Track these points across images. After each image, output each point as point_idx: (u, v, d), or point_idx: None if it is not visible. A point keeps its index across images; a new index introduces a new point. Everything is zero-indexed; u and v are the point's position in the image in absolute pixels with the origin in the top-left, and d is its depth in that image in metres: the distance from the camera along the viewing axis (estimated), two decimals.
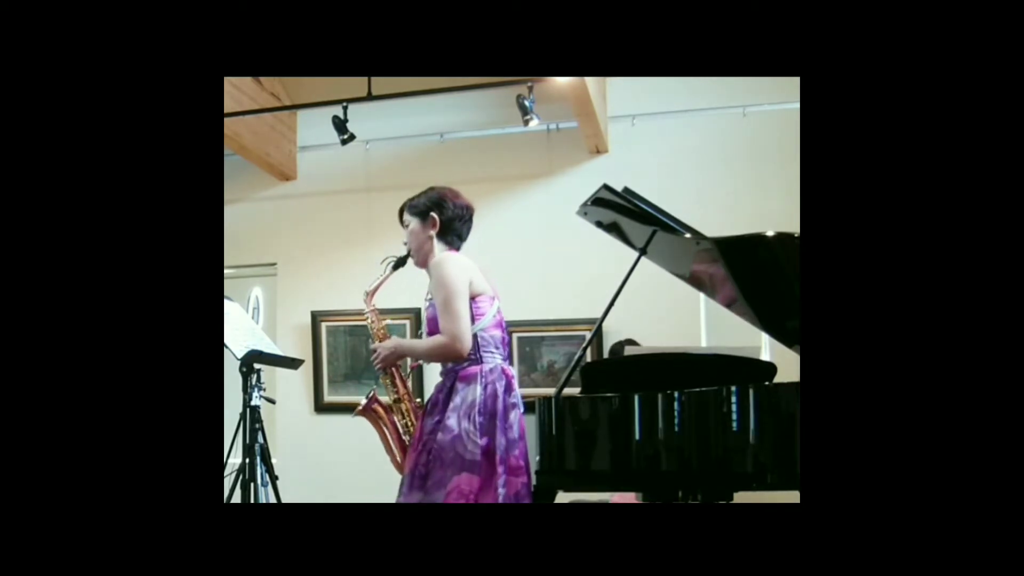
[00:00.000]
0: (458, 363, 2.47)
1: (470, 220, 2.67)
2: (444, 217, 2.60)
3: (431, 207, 2.61)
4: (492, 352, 2.50)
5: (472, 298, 2.48)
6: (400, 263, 2.69)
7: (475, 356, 2.47)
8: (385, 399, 2.66)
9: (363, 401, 2.66)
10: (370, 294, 2.71)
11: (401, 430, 2.61)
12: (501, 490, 2.34)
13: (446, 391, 2.48)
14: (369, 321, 2.70)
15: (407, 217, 2.65)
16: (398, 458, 2.60)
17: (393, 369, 2.64)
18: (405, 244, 2.67)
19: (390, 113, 4.89)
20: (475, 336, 2.46)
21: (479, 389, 2.43)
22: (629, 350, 3.58)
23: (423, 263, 2.61)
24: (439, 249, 2.60)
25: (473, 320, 2.46)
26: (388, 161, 4.95)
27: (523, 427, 2.47)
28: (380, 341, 2.65)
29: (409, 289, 2.64)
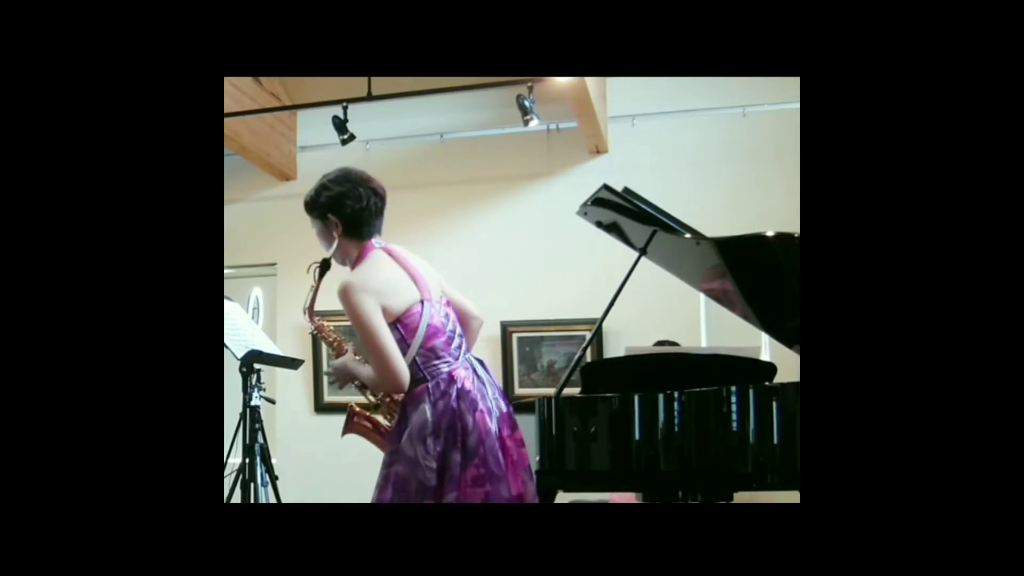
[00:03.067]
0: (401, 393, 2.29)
1: (378, 202, 2.40)
2: (343, 215, 2.36)
3: (326, 209, 2.37)
4: (436, 363, 2.29)
5: (397, 320, 2.26)
6: (325, 267, 2.46)
7: (420, 375, 2.28)
8: (372, 409, 2.50)
9: (345, 420, 2.48)
10: (309, 310, 2.48)
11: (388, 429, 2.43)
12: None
13: (398, 417, 2.32)
14: (321, 337, 2.53)
15: (310, 218, 2.43)
16: None
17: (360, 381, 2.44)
18: (322, 244, 2.45)
19: (390, 113, 4.89)
20: (413, 360, 2.27)
21: (428, 409, 2.24)
22: (658, 352, 3.59)
23: (341, 262, 2.42)
24: (348, 248, 2.38)
25: (407, 344, 2.26)
26: (388, 161, 4.95)
27: (482, 428, 2.25)
28: (338, 356, 2.48)
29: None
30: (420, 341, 2.28)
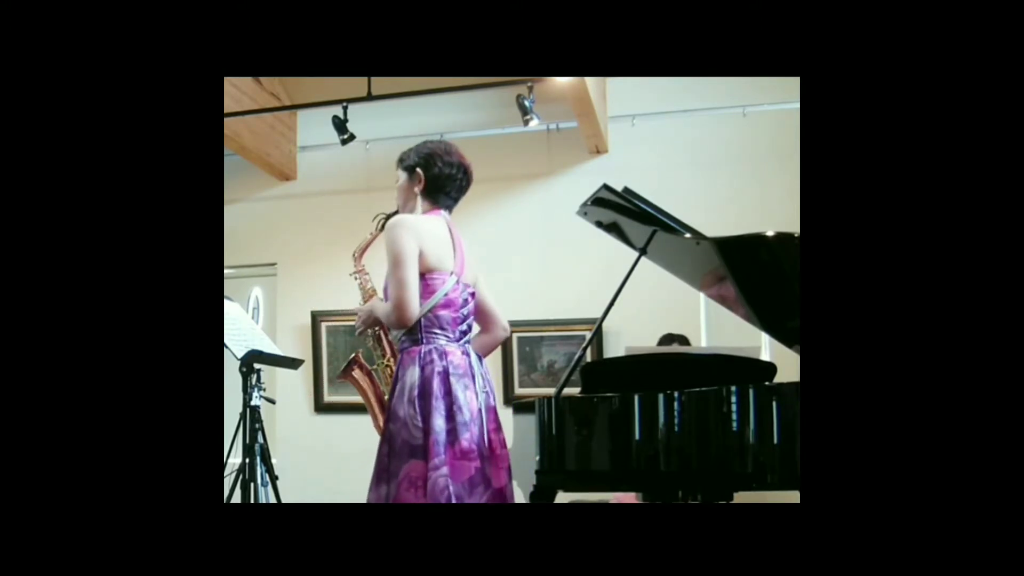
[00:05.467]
0: (408, 335, 2.42)
1: (463, 179, 2.55)
2: (430, 174, 2.49)
3: (418, 162, 2.51)
4: (436, 333, 2.41)
5: (424, 274, 2.39)
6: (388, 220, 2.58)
7: (417, 336, 2.41)
8: (374, 366, 2.63)
9: (345, 365, 2.63)
10: (359, 254, 2.64)
11: (383, 392, 2.57)
12: (435, 473, 2.27)
13: (395, 376, 2.44)
14: (358, 282, 2.63)
15: (397, 171, 2.58)
16: (379, 421, 2.56)
17: (381, 332, 2.57)
18: (396, 199, 2.60)
19: (390, 113, 4.89)
20: (422, 315, 2.39)
21: (416, 371, 2.37)
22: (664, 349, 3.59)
23: None
24: (423, 207, 2.52)
25: (422, 298, 2.38)
26: (388, 161, 4.86)
27: (472, 408, 2.38)
28: (365, 302, 2.59)
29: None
30: (432, 304, 2.40)
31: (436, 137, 4.86)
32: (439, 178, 2.50)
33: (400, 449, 2.33)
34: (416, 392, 2.35)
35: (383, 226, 2.58)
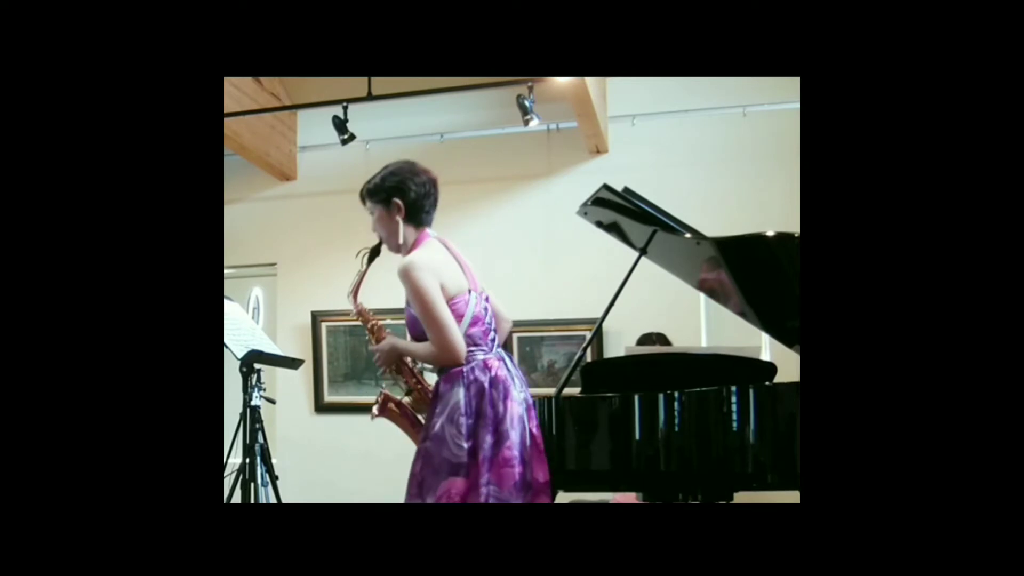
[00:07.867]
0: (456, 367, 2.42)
1: (435, 192, 2.55)
2: (407, 200, 2.49)
3: (392, 193, 2.50)
4: (472, 350, 2.42)
5: (448, 301, 2.39)
6: (375, 253, 2.59)
7: None
8: (403, 396, 2.61)
9: (376, 405, 2.59)
10: (353, 293, 2.62)
11: (422, 419, 2.55)
12: (484, 489, 2.28)
13: (434, 395, 2.45)
14: (361, 322, 2.62)
15: (369, 204, 2.55)
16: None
17: (400, 363, 2.57)
18: (375, 231, 2.58)
19: (390, 113, 4.89)
20: None
21: (461, 391, 2.37)
22: (646, 347, 3.58)
23: (397, 248, 2.54)
24: (407, 233, 2.51)
25: None
26: (388, 161, 4.93)
27: (513, 414, 2.39)
28: (378, 341, 2.58)
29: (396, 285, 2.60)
30: (464, 328, 2.42)
31: (436, 137, 4.91)
32: (416, 200, 2.50)
33: (439, 466, 2.33)
34: (461, 411, 2.35)
35: (371, 259, 2.58)
